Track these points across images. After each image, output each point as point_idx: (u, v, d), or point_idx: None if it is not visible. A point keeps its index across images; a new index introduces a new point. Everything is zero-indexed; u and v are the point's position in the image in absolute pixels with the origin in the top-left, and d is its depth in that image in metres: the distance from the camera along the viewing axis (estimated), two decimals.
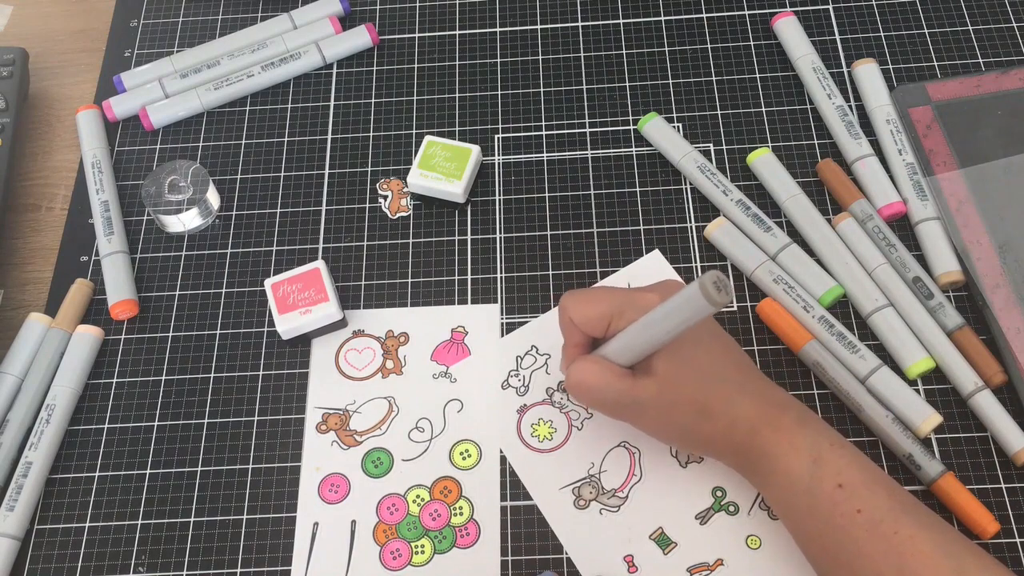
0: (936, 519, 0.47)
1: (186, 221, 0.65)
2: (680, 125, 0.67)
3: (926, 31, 0.70)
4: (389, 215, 0.65)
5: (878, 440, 0.55)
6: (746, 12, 0.72)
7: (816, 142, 0.66)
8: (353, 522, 0.55)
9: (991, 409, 0.55)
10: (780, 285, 0.59)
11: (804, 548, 0.50)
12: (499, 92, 0.70)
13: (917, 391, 0.56)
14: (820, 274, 0.59)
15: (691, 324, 0.46)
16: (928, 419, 0.54)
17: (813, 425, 0.49)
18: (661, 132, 0.66)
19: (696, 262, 0.62)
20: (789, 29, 0.69)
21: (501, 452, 0.57)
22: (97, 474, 0.58)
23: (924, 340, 0.57)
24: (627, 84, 0.69)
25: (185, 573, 0.54)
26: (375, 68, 0.72)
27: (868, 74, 0.67)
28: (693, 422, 0.50)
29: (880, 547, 0.45)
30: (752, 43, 0.70)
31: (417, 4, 0.75)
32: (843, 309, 0.59)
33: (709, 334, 0.52)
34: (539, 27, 0.72)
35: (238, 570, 0.54)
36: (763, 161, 0.64)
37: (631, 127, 0.67)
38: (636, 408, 0.51)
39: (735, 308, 0.60)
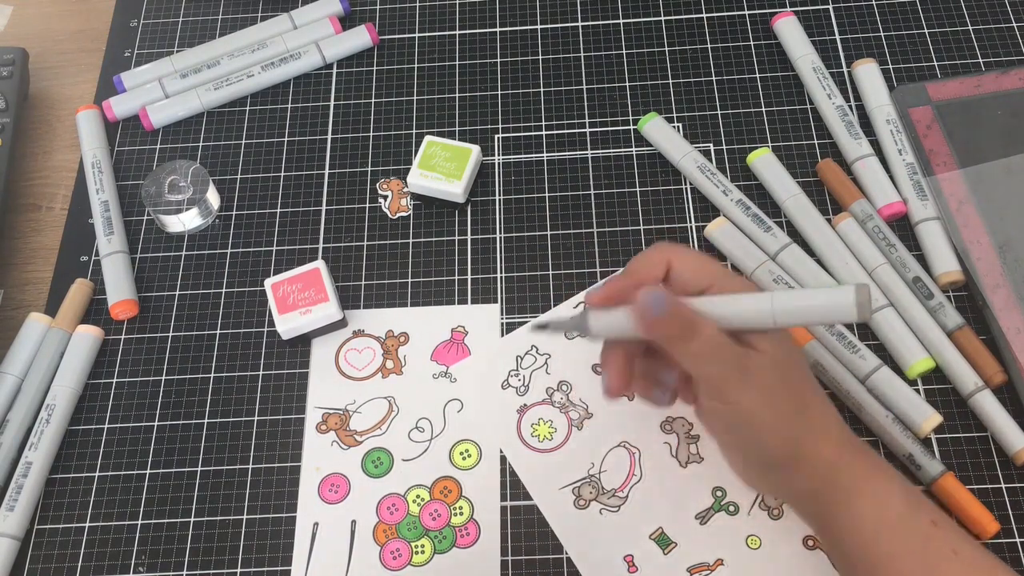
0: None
1: (186, 221, 0.65)
2: (680, 125, 0.67)
3: (926, 31, 0.70)
4: (389, 215, 0.65)
5: (878, 440, 0.55)
6: (746, 12, 0.72)
7: (816, 142, 0.66)
8: (353, 522, 0.55)
9: (991, 409, 0.55)
10: (780, 285, 0.59)
11: None
12: (499, 92, 0.70)
13: (917, 391, 0.56)
14: (820, 274, 0.59)
15: (819, 322, 0.47)
16: (928, 419, 0.54)
17: (896, 471, 0.47)
18: (661, 132, 0.66)
19: None
20: (789, 29, 0.69)
21: (501, 452, 0.57)
22: (97, 474, 0.58)
23: (924, 340, 0.57)
24: (627, 84, 0.69)
25: (185, 573, 0.54)
26: (375, 68, 0.72)
27: (868, 74, 0.67)
28: (791, 415, 0.45)
29: None
30: (752, 43, 0.70)
31: (417, 4, 0.75)
32: None
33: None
34: (539, 27, 0.72)
35: (238, 570, 0.54)
36: (763, 161, 0.64)
37: (631, 127, 0.67)
38: (739, 373, 0.44)
39: None
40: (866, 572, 0.45)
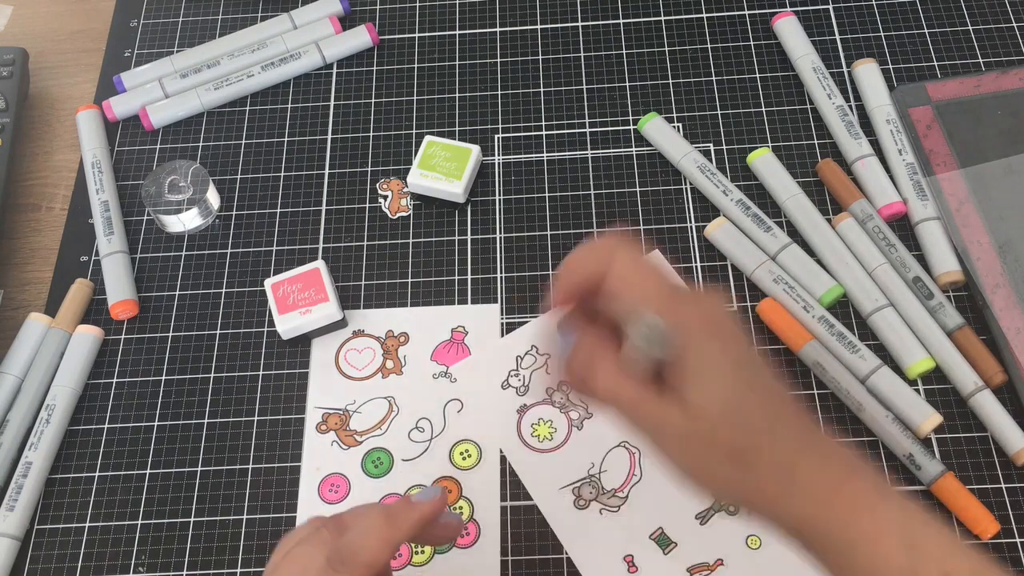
0: None
1: (186, 221, 0.65)
2: (680, 125, 0.67)
3: (926, 31, 0.70)
4: (389, 215, 0.65)
5: (878, 440, 0.55)
6: (746, 12, 0.72)
7: (816, 142, 0.66)
8: None
9: (991, 409, 0.55)
10: (780, 285, 0.59)
11: None
12: (499, 92, 0.70)
13: (917, 391, 0.56)
14: (820, 274, 0.59)
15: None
16: (928, 419, 0.54)
17: (895, 497, 0.39)
18: (661, 132, 0.66)
19: (696, 262, 0.62)
20: (789, 29, 0.69)
21: (501, 452, 0.57)
22: (97, 474, 0.58)
23: (924, 340, 0.57)
24: (627, 84, 0.69)
25: (185, 573, 0.54)
26: (375, 68, 0.72)
27: (868, 74, 0.67)
28: (730, 473, 0.39)
29: None
30: (752, 43, 0.70)
31: (417, 4, 0.75)
32: (843, 309, 0.59)
33: (759, 366, 0.41)
34: (539, 27, 0.72)
35: (238, 570, 0.54)
36: (763, 161, 0.64)
37: (631, 127, 0.67)
38: (656, 435, 0.40)
39: (735, 308, 0.60)
40: None
